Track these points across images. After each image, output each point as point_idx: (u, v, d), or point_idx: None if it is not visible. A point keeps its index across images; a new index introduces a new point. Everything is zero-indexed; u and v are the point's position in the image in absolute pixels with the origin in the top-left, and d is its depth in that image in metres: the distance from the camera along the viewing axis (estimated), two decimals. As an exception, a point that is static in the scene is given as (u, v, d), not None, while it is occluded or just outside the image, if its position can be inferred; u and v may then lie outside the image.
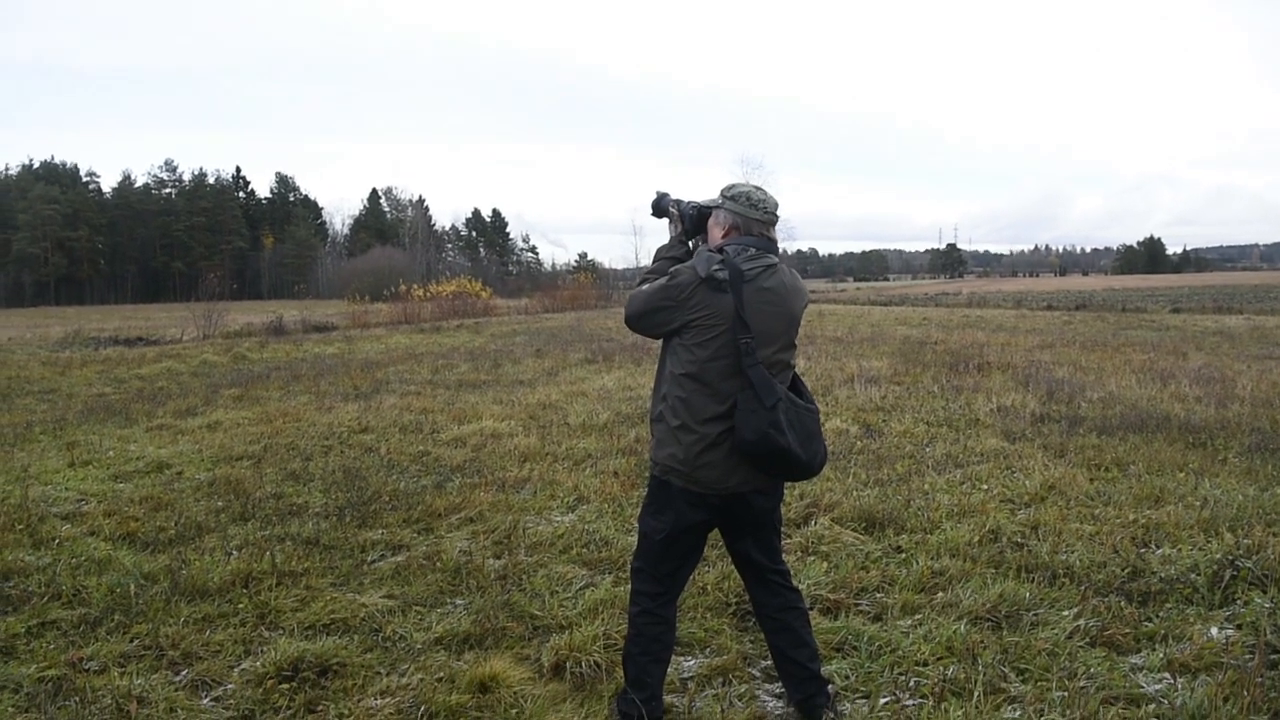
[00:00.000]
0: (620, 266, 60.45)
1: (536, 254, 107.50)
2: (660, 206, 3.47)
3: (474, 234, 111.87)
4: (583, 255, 62.27)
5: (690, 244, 3.37)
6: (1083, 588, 4.28)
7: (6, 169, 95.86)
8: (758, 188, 3.19)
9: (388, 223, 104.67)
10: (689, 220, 3.33)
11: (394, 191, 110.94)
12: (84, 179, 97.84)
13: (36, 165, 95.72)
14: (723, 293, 2.97)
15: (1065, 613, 4.01)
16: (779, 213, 3.20)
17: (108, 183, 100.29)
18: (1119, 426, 8.07)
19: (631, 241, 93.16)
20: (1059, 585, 4.35)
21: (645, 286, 3.14)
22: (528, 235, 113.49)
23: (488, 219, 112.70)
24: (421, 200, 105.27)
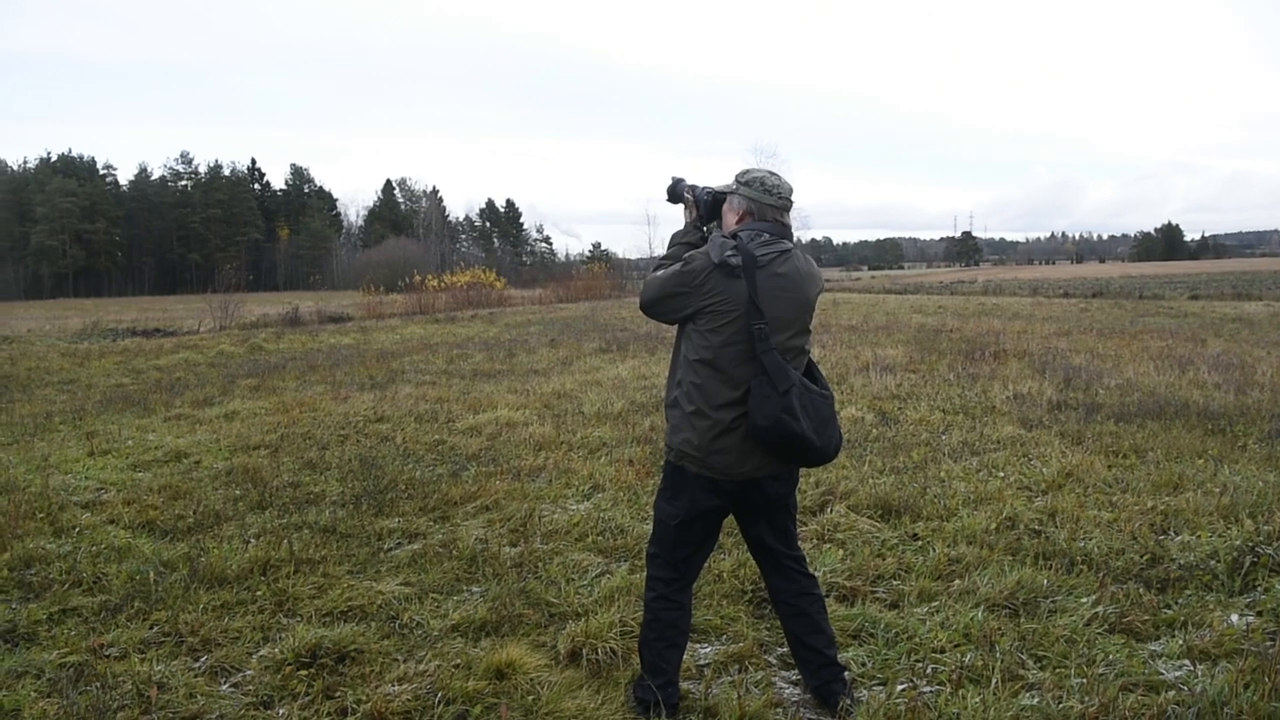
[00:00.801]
0: (634, 256, 60.33)
1: (550, 244, 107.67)
2: (675, 192, 3.46)
3: (488, 225, 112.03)
4: (596, 245, 62.26)
5: (705, 230, 3.36)
6: (1101, 575, 4.26)
7: (25, 162, 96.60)
8: (772, 173, 3.17)
9: (402, 214, 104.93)
10: (704, 206, 3.32)
11: (408, 183, 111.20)
12: (101, 172, 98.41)
13: (54, 159, 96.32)
14: (736, 278, 2.96)
15: (1083, 600, 3.99)
16: (793, 199, 3.18)
17: (124, 175, 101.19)
18: (1137, 413, 8.01)
19: (645, 231, 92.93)
20: (1077, 572, 4.33)
21: (660, 272, 3.13)
22: (541, 226, 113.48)
23: (501, 210, 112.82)
24: (435, 191, 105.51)
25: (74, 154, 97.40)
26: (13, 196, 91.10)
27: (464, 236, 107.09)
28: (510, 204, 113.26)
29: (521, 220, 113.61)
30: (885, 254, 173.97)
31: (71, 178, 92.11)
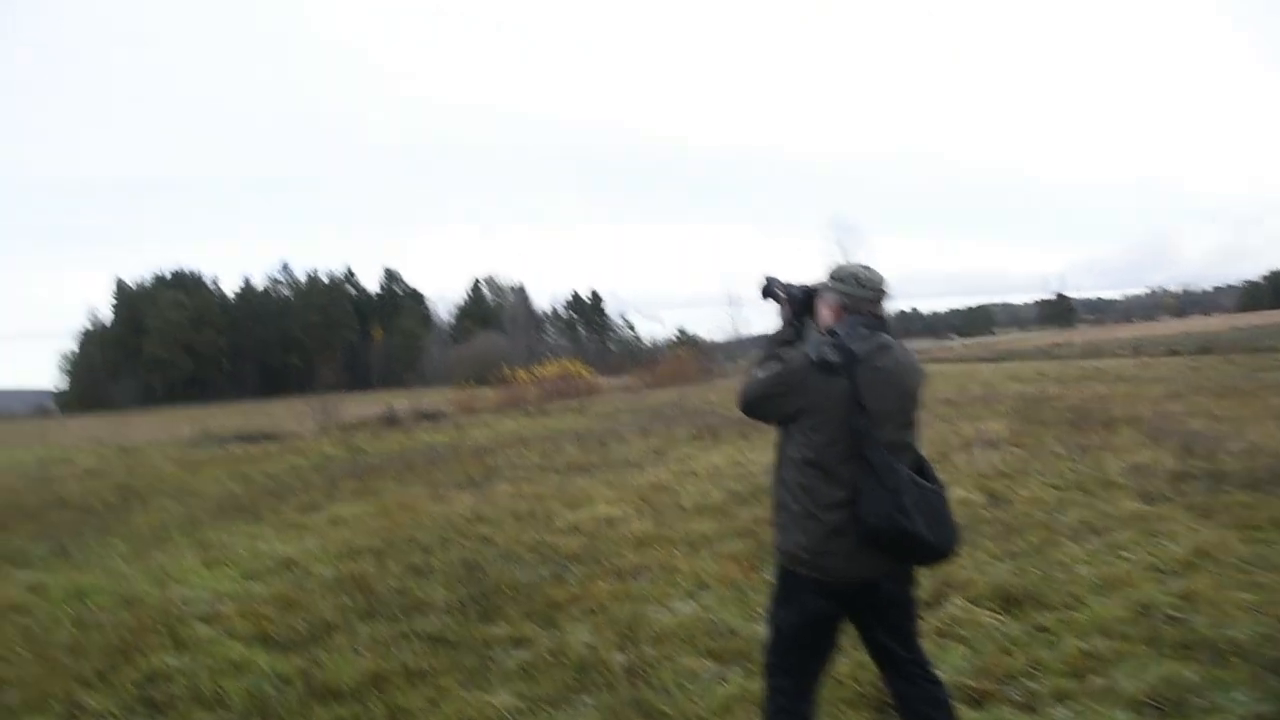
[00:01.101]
0: (719, 339, 60.25)
1: (635, 330, 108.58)
2: (768, 290, 3.46)
3: (573, 315, 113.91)
4: (681, 330, 62.21)
5: (800, 327, 3.34)
6: (1253, 666, 3.96)
7: (140, 280, 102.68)
8: (865, 266, 3.16)
9: (490, 309, 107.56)
10: (797, 303, 3.31)
11: (494, 279, 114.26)
12: (208, 284, 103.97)
13: (166, 275, 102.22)
14: (836, 375, 2.93)
15: (1237, 695, 3.71)
16: (886, 289, 3.15)
17: (229, 285, 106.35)
18: (1268, 481, 7.54)
19: (729, 313, 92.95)
20: (1226, 664, 4.03)
21: (758, 372, 3.12)
22: (625, 312, 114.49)
23: (585, 300, 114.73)
24: (521, 287, 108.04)
25: (183, 269, 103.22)
26: (129, 312, 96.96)
27: (550, 328, 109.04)
28: (595, 294, 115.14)
29: (605, 308, 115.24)
30: (975, 321, 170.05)
31: (181, 290, 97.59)
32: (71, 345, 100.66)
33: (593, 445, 15.13)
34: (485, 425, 22.64)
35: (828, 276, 3.18)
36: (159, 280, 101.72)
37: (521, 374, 35.85)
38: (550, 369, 38.00)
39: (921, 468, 3.09)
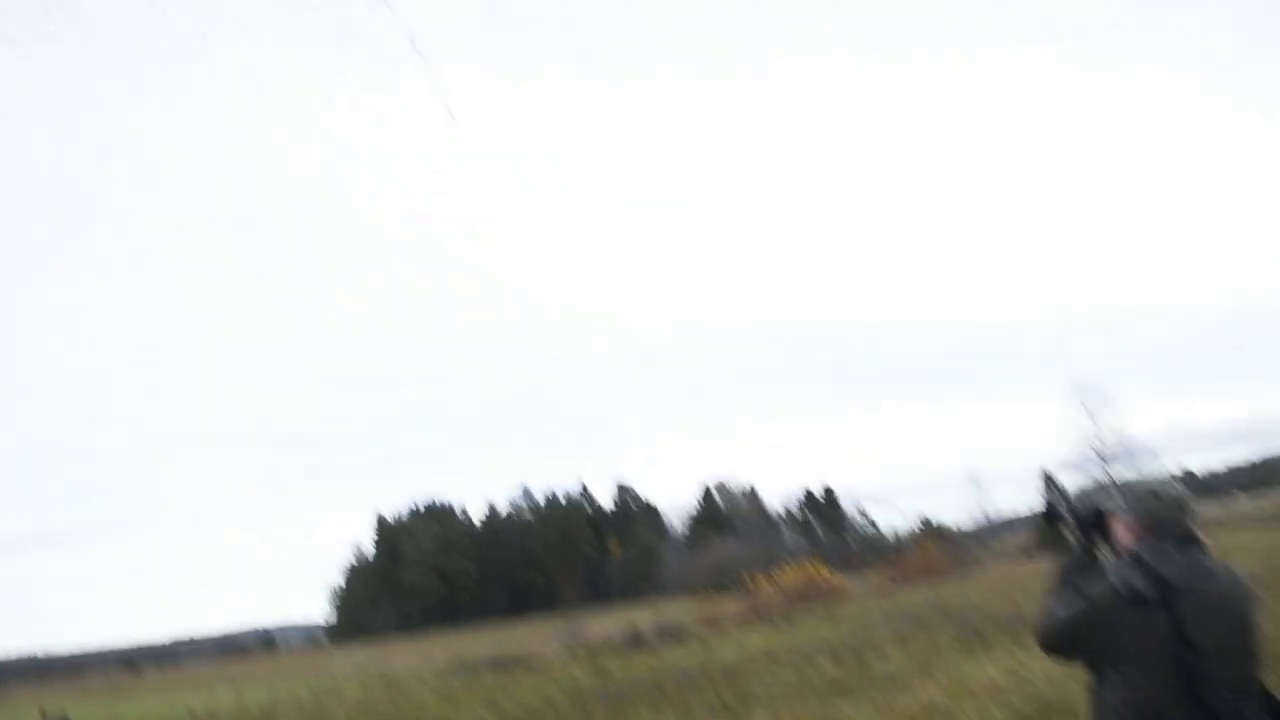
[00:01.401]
0: (966, 525, 56.63)
1: (874, 523, 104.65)
2: (1052, 513, 3.19)
3: (807, 513, 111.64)
4: (924, 519, 59.05)
5: (1093, 549, 3.03)
6: None
7: (397, 514, 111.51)
8: (1161, 480, 2.84)
9: (722, 515, 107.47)
10: (1086, 524, 3.02)
11: (725, 484, 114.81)
12: (456, 513, 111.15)
13: (420, 508, 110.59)
14: (1151, 608, 2.57)
15: None
16: (1190, 504, 2.81)
17: (475, 511, 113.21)
18: None
19: (973, 495, 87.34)
20: None
21: (1057, 609, 2.80)
22: (861, 505, 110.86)
23: (818, 496, 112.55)
24: (752, 490, 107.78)
25: (435, 501, 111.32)
26: (388, 545, 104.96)
27: (785, 529, 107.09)
28: (827, 489, 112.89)
29: (839, 502, 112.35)
30: (1264, 475, 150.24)
31: (433, 520, 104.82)
32: (338, 579, 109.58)
33: (849, 659, 14.23)
34: (731, 639, 22.02)
35: (1120, 499, 2.89)
36: (413, 513, 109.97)
37: (762, 582, 35.03)
38: (790, 574, 36.91)
39: (1276, 709, 2.63)
